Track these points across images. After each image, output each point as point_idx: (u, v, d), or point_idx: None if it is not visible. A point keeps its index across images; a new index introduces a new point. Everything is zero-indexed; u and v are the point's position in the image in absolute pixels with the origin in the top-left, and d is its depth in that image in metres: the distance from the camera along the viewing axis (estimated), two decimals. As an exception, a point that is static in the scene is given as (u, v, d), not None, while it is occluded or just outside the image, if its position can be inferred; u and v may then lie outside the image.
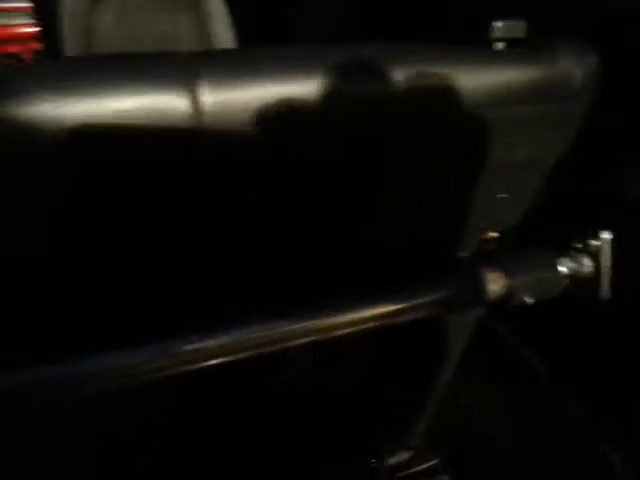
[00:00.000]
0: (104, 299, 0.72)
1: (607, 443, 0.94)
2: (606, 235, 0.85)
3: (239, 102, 0.63)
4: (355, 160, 0.75)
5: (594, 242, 0.85)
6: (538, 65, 0.77)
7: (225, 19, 1.87)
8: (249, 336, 0.75)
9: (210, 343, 0.73)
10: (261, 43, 1.87)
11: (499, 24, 0.78)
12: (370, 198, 0.81)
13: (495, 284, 0.85)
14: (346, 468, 1.19)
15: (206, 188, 0.69)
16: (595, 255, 0.86)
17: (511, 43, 0.78)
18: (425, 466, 1.19)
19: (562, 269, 0.86)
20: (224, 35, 1.87)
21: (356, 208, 0.81)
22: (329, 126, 0.70)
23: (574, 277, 0.86)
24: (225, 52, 1.02)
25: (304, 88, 0.66)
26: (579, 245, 0.86)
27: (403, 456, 1.20)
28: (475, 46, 0.78)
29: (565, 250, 0.87)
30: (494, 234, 0.93)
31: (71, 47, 1.84)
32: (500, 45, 0.79)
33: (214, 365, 0.74)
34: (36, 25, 2.41)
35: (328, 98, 0.67)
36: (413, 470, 1.19)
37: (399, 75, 0.71)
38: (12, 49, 2.41)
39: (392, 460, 1.20)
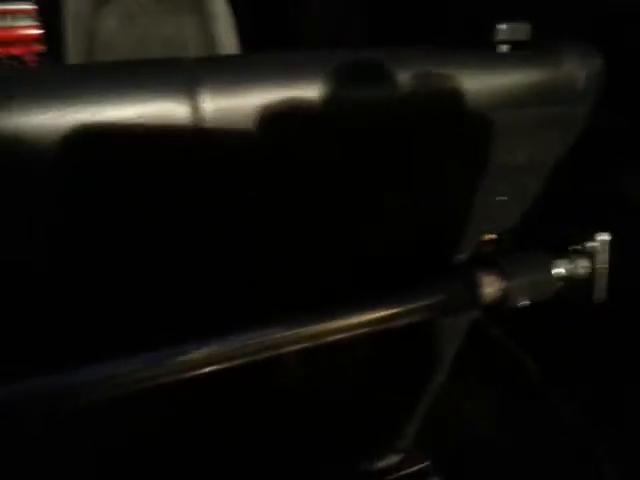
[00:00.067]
0: (98, 308, 0.72)
1: (599, 445, 0.94)
2: (603, 237, 0.85)
3: (240, 109, 0.63)
4: (357, 165, 0.76)
5: (591, 244, 0.86)
6: (542, 68, 0.78)
7: (228, 21, 1.88)
8: (242, 343, 0.74)
9: (204, 351, 0.73)
10: (264, 45, 1.89)
11: (503, 27, 0.79)
12: (370, 202, 0.81)
13: (491, 287, 0.85)
14: (337, 471, 1.19)
15: (207, 195, 0.69)
16: (592, 257, 0.86)
17: (515, 46, 0.79)
18: (416, 468, 1.19)
19: (559, 271, 0.87)
20: (227, 37, 1.88)
21: (356, 212, 0.82)
22: (331, 132, 0.71)
23: (570, 279, 0.87)
24: (227, 58, 1.03)
25: (306, 94, 0.66)
26: (576, 246, 0.87)
27: (394, 459, 1.20)
28: (479, 49, 0.79)
29: (562, 252, 0.88)
30: (492, 236, 0.94)
31: (74, 50, 1.84)
32: (504, 48, 0.80)
33: (208, 372, 0.74)
34: (39, 27, 2.42)
35: (330, 104, 0.68)
36: (404, 472, 1.19)
37: (402, 79, 0.71)
38: (15, 51, 2.41)
39: (383, 463, 1.20)
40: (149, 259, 0.72)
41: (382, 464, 1.20)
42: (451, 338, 1.05)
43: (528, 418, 1.05)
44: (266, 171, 0.70)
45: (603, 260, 0.86)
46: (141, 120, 0.60)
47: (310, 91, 0.67)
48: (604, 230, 0.85)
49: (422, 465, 1.19)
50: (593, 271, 0.86)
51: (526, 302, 0.86)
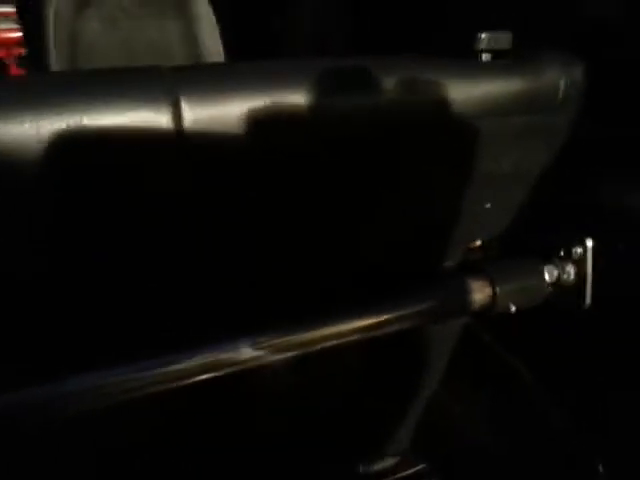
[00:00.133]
0: (87, 316, 0.72)
1: (589, 451, 0.95)
2: (590, 243, 0.86)
3: (222, 118, 0.63)
4: (341, 174, 0.76)
5: (578, 250, 0.86)
6: (523, 76, 0.78)
7: (212, 25, 1.86)
8: (233, 352, 0.75)
9: (195, 360, 0.73)
10: (247, 49, 1.87)
11: (485, 35, 0.79)
12: (356, 210, 0.81)
13: (480, 293, 0.86)
14: (334, 474, 1.19)
15: (190, 204, 0.69)
16: (579, 262, 0.87)
17: (496, 54, 0.79)
18: (411, 471, 1.19)
19: (546, 277, 0.87)
20: (211, 42, 1.87)
21: (342, 221, 0.82)
22: (314, 140, 0.71)
23: (558, 284, 0.87)
24: (209, 67, 1.02)
25: (288, 103, 0.66)
26: (563, 253, 0.87)
27: (389, 462, 1.21)
28: (461, 57, 0.79)
29: (549, 258, 0.88)
30: (479, 243, 0.94)
31: (56, 53, 1.82)
32: (486, 56, 0.80)
33: (202, 380, 0.74)
34: (20, 30, 2.40)
35: (313, 112, 0.68)
36: (399, 475, 1.20)
37: (385, 87, 0.71)
38: (-5, 54, 2.39)
39: (378, 466, 1.20)
40: (134, 268, 0.72)
41: (378, 467, 1.21)
42: (443, 344, 1.06)
43: (519, 422, 1.06)
44: (249, 179, 0.70)
45: (590, 266, 0.86)
46: (124, 129, 0.60)
47: (293, 100, 0.67)
48: (590, 237, 0.86)
49: (417, 468, 1.20)
50: (580, 276, 0.87)
51: (515, 308, 0.86)
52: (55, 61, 1.80)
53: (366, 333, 0.82)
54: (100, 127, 0.59)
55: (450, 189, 0.84)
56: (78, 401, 0.71)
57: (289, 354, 0.78)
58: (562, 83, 0.79)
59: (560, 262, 0.88)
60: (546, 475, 1.01)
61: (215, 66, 1.12)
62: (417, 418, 1.16)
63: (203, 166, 0.66)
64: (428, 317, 0.89)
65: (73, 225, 0.65)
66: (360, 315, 0.82)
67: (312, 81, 0.68)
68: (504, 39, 0.79)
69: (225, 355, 0.74)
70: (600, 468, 0.92)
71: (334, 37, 1.60)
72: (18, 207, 0.61)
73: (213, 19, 1.87)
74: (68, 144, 0.58)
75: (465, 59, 0.79)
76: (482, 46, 0.79)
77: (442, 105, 0.74)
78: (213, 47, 1.86)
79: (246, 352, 0.75)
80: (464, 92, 0.76)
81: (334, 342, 0.80)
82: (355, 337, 0.81)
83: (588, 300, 0.87)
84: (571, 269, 0.87)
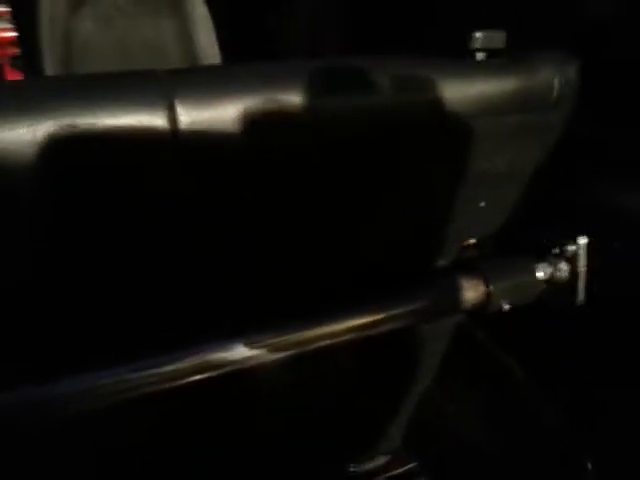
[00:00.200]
0: (84, 318, 0.72)
1: (580, 448, 0.95)
2: (583, 240, 0.86)
3: (218, 121, 0.63)
4: (337, 174, 0.76)
5: (571, 248, 0.87)
6: (518, 75, 0.79)
7: (208, 23, 1.86)
8: (227, 352, 0.75)
9: (190, 360, 0.74)
10: (243, 49, 1.87)
11: (479, 34, 0.79)
12: (350, 210, 0.82)
13: (474, 291, 0.86)
14: (326, 472, 1.20)
15: (186, 206, 0.69)
16: (572, 260, 0.87)
17: (491, 53, 0.80)
18: (403, 470, 1.20)
19: (540, 274, 0.88)
20: (207, 41, 1.86)
21: (335, 220, 0.82)
22: (310, 141, 0.71)
23: (551, 282, 0.88)
24: (205, 70, 1.02)
25: (284, 104, 0.67)
26: (557, 250, 0.88)
27: (382, 460, 1.21)
28: (455, 57, 0.80)
29: (543, 256, 0.89)
30: (473, 241, 0.94)
31: (50, 52, 1.81)
32: (480, 55, 0.80)
33: (198, 380, 0.74)
34: (14, 30, 2.39)
35: (310, 113, 0.68)
36: (391, 474, 1.20)
37: (380, 87, 0.71)
38: (-11, 54, 2.38)
39: (370, 464, 1.21)
40: (132, 270, 0.72)
41: (370, 466, 1.21)
42: (436, 342, 1.06)
43: (511, 420, 1.07)
44: (245, 181, 0.70)
45: (583, 263, 0.87)
46: (120, 132, 0.60)
47: (289, 101, 0.67)
48: (583, 235, 0.86)
49: (409, 466, 1.20)
50: (573, 274, 0.87)
51: (508, 306, 0.87)
52: (49, 60, 1.79)
53: (360, 332, 0.82)
54: (96, 130, 0.59)
55: (445, 188, 0.85)
56: (74, 401, 0.71)
57: (283, 354, 0.78)
58: (556, 82, 0.79)
59: (553, 260, 0.88)
60: (538, 472, 1.02)
61: (211, 69, 1.13)
62: (409, 416, 1.16)
63: (199, 168, 0.66)
64: (422, 315, 0.89)
65: (70, 227, 0.65)
66: (354, 314, 0.82)
67: (308, 82, 0.68)
68: (498, 38, 0.80)
69: (220, 355, 0.75)
70: (589, 465, 0.93)
71: (329, 35, 1.60)
72: (16, 209, 0.61)
73: (208, 17, 1.86)
74: (65, 148, 0.58)
75: (460, 58, 0.79)
76: (476, 45, 0.79)
77: (437, 104, 0.75)
78: (208, 46, 1.86)
79: (240, 352, 0.75)
80: (459, 91, 0.76)
81: (328, 341, 0.80)
82: (349, 336, 0.81)
83: (581, 298, 0.88)
84: (564, 267, 0.88)
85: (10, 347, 0.69)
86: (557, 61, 0.80)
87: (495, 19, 0.81)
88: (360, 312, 0.82)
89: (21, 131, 0.56)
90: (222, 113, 0.64)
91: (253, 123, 0.65)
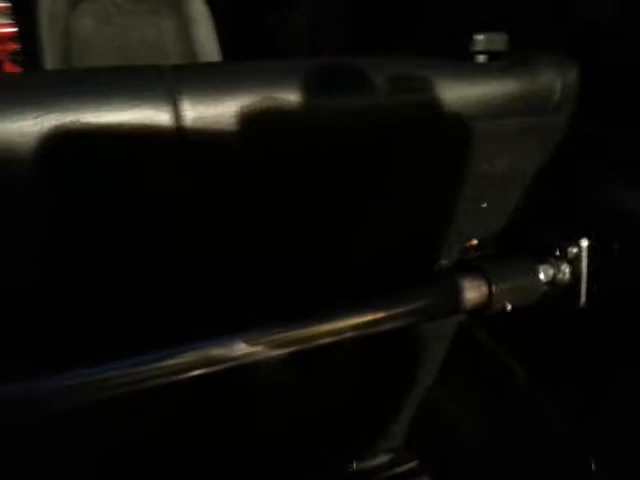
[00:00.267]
0: (84, 313, 0.72)
1: (584, 448, 0.95)
2: (585, 242, 0.86)
3: (222, 117, 0.63)
4: (339, 173, 0.76)
5: (573, 249, 0.87)
6: (519, 78, 0.78)
7: (207, 21, 1.86)
8: (229, 348, 0.75)
9: (189, 355, 0.73)
10: (243, 48, 1.87)
11: (480, 37, 0.79)
12: (354, 209, 0.82)
13: (476, 292, 0.86)
14: (329, 470, 1.20)
15: (189, 201, 0.69)
16: (574, 262, 0.87)
17: (492, 56, 0.80)
18: (406, 468, 1.20)
19: (542, 276, 0.88)
20: (206, 38, 1.86)
21: (340, 219, 0.82)
22: (314, 138, 0.71)
23: (553, 283, 0.88)
24: (208, 66, 1.02)
25: (286, 102, 0.67)
26: (559, 252, 0.88)
27: (384, 458, 1.21)
28: (457, 59, 0.79)
29: (545, 257, 0.89)
30: (475, 242, 0.94)
31: (50, 48, 1.81)
32: (481, 58, 0.80)
33: (200, 375, 0.74)
34: (13, 25, 2.39)
35: (311, 112, 0.68)
36: (394, 472, 1.20)
37: (381, 88, 0.71)
38: (-11, 49, 2.38)
39: (373, 462, 1.21)
40: (133, 264, 0.72)
41: (373, 463, 1.21)
42: (438, 342, 1.06)
43: (513, 420, 1.07)
44: (248, 177, 0.70)
45: (585, 265, 0.87)
46: (124, 127, 0.60)
47: (293, 98, 0.67)
48: (582, 236, 0.86)
49: (411, 465, 1.20)
50: (575, 276, 0.87)
51: (510, 307, 0.87)
52: (48, 56, 1.79)
53: (362, 331, 0.82)
54: (100, 125, 0.59)
55: (446, 189, 0.85)
56: (73, 396, 0.71)
57: (285, 351, 0.78)
58: (557, 84, 0.79)
59: (555, 261, 0.88)
60: (540, 472, 1.02)
61: (215, 65, 1.12)
62: (412, 415, 1.16)
63: (203, 164, 0.66)
64: (424, 315, 0.89)
65: (73, 220, 0.65)
66: (356, 313, 0.82)
67: (312, 80, 0.68)
68: (499, 40, 0.80)
69: (222, 350, 0.75)
70: (593, 466, 0.93)
71: (328, 35, 1.60)
72: (19, 202, 0.61)
73: (208, 16, 1.86)
74: (68, 141, 0.58)
75: (461, 60, 0.79)
76: (478, 47, 0.79)
77: (438, 106, 0.75)
78: (208, 44, 1.86)
79: (242, 348, 0.75)
80: (460, 93, 0.76)
81: (330, 339, 0.80)
82: (351, 335, 0.81)
83: (583, 299, 0.88)
84: (566, 268, 0.88)
85: (10, 342, 0.69)
86: (557, 64, 0.80)
87: (494, 21, 0.81)
88: (362, 311, 0.82)
89: (26, 124, 0.57)
90: (227, 109, 0.64)
91: (258, 119, 0.65)
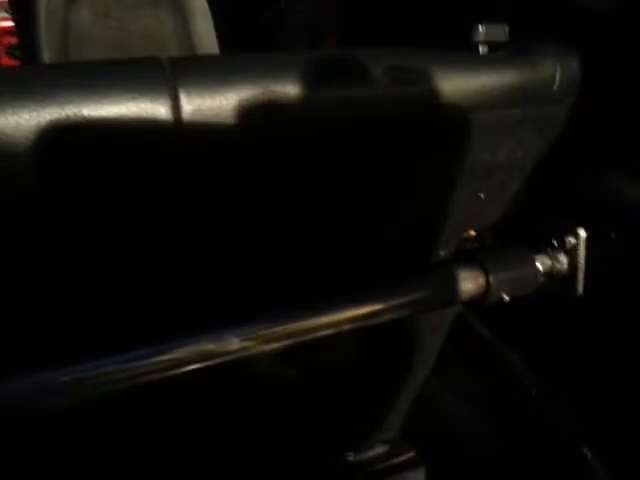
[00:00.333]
0: (81, 309, 0.72)
1: (582, 440, 0.96)
2: (582, 232, 0.87)
3: (221, 109, 0.63)
4: (337, 164, 0.76)
5: (571, 239, 0.87)
6: (519, 68, 0.79)
7: (206, 15, 1.86)
8: (224, 342, 0.75)
9: (185, 349, 0.73)
10: (241, 41, 1.87)
11: (481, 28, 0.79)
12: (352, 200, 0.82)
13: (473, 282, 0.86)
14: (325, 461, 1.20)
15: (188, 195, 0.69)
16: (571, 252, 0.88)
17: (492, 47, 0.80)
18: (402, 459, 1.20)
19: (539, 266, 0.88)
20: (205, 31, 1.86)
21: (338, 211, 0.82)
22: (314, 131, 0.71)
23: (551, 274, 0.88)
24: (209, 58, 1.02)
25: (288, 94, 0.67)
26: (556, 243, 0.88)
27: (381, 449, 1.22)
28: (457, 50, 0.80)
29: (542, 248, 0.89)
30: (473, 233, 0.95)
31: (48, 42, 1.80)
32: (482, 49, 0.80)
33: (191, 371, 0.74)
34: (11, 19, 2.38)
35: (310, 104, 0.68)
36: (391, 463, 1.21)
37: (381, 79, 0.71)
38: (-14, 43, 2.37)
39: (370, 453, 1.21)
40: (130, 259, 0.72)
41: (369, 455, 1.21)
42: (435, 333, 1.06)
43: (511, 411, 1.07)
44: (248, 170, 0.71)
45: (582, 255, 0.87)
46: (123, 120, 0.60)
47: (293, 91, 0.67)
48: (580, 226, 0.87)
49: (408, 456, 1.21)
50: (573, 266, 0.88)
51: (508, 297, 0.87)
52: (46, 50, 1.79)
53: (360, 322, 0.82)
54: (99, 118, 0.59)
55: (445, 180, 0.85)
56: (67, 392, 0.71)
57: (281, 344, 0.78)
58: (557, 75, 0.80)
59: (553, 252, 0.89)
60: (537, 463, 1.03)
61: (215, 58, 1.12)
62: (408, 406, 1.16)
63: (201, 157, 0.66)
64: (421, 306, 0.89)
65: (71, 215, 0.65)
66: (353, 305, 0.82)
67: (311, 72, 0.68)
68: (500, 31, 0.80)
69: (217, 344, 0.75)
70: (589, 457, 0.94)
71: (327, 28, 1.61)
72: (17, 196, 0.61)
73: (207, 9, 1.86)
74: (67, 134, 0.58)
75: (461, 51, 0.80)
76: (478, 38, 0.80)
77: (437, 97, 0.75)
78: (206, 37, 1.86)
79: (237, 342, 0.75)
80: (459, 84, 0.76)
81: (326, 331, 0.80)
82: (348, 327, 0.81)
83: (580, 289, 0.88)
84: (564, 259, 0.88)
85: (4, 337, 0.69)
86: (557, 54, 0.80)
87: (494, 12, 0.81)
88: (359, 302, 0.82)
89: (24, 117, 0.56)
90: (226, 102, 0.64)
91: (257, 112, 0.65)
